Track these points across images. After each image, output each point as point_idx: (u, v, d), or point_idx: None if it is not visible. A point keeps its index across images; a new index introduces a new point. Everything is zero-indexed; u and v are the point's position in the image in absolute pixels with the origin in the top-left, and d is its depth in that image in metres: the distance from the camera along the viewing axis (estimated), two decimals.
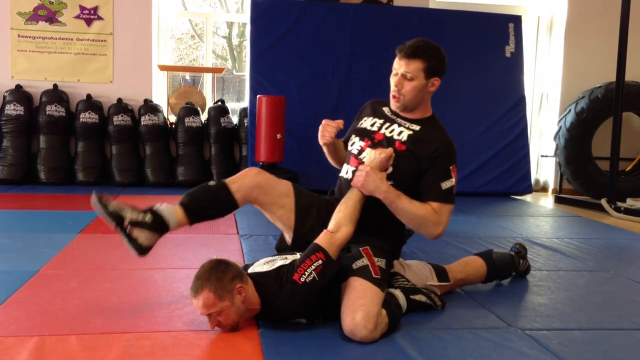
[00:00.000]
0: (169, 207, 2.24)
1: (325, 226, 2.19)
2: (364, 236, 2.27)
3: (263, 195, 2.34)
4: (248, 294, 1.99)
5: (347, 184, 2.34)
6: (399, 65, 2.31)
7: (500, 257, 2.70)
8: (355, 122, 2.56)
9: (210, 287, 1.92)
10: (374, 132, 2.40)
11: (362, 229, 2.25)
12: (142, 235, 2.16)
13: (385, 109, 2.46)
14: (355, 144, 2.43)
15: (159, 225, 2.19)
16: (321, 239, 2.11)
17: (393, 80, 2.34)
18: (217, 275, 1.93)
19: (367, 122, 2.45)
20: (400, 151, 2.31)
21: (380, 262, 2.21)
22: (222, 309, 1.94)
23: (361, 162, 2.34)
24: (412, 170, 2.31)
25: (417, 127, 2.36)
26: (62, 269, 2.75)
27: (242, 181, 2.33)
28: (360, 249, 2.22)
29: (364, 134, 2.42)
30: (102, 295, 2.39)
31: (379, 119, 2.44)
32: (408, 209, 2.25)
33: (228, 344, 1.94)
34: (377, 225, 2.33)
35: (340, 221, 2.17)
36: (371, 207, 2.27)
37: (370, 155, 2.29)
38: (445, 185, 2.29)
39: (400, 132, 2.35)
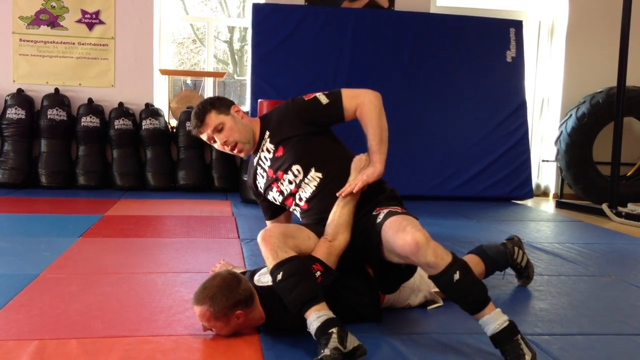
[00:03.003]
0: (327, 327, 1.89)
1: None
2: (366, 206, 2.25)
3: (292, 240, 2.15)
4: (249, 316, 2.01)
5: (318, 202, 2.29)
6: (204, 132, 2.37)
7: (493, 248, 2.68)
8: (261, 197, 2.56)
9: (209, 306, 1.93)
10: (268, 176, 2.42)
11: (360, 204, 2.25)
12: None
13: (252, 165, 2.52)
14: (274, 195, 2.43)
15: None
16: (319, 249, 2.10)
17: (218, 145, 2.40)
18: (221, 297, 1.93)
19: (261, 182, 2.48)
20: (284, 152, 2.35)
21: (397, 205, 2.22)
22: (215, 326, 1.98)
23: (292, 197, 2.35)
24: (306, 140, 2.34)
25: (267, 133, 2.42)
26: (62, 273, 2.75)
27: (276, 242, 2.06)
28: (372, 213, 2.17)
29: (270, 184, 2.43)
30: (103, 299, 2.39)
31: (258, 169, 2.47)
32: (376, 133, 2.31)
33: (228, 348, 1.94)
34: (367, 192, 2.29)
35: (338, 229, 2.16)
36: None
37: (361, 161, 2.29)
38: (323, 100, 2.40)
39: (268, 150, 2.41)
